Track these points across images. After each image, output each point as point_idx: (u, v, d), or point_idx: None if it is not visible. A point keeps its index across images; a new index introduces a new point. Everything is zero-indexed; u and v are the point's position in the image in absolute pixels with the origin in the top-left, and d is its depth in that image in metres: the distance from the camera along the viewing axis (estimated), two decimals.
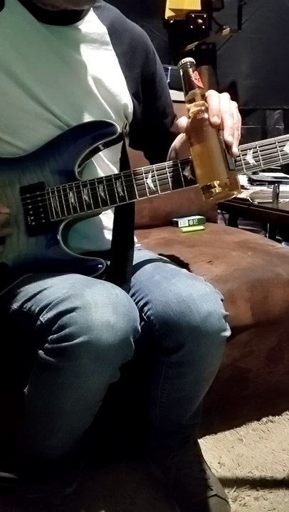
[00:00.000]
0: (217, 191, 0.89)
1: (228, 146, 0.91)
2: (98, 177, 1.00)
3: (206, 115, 0.92)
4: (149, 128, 1.20)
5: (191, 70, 0.94)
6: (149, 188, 0.99)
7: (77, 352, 0.85)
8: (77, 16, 1.05)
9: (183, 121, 0.95)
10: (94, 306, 0.86)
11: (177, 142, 1.12)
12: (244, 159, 0.98)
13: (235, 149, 0.92)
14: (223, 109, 0.92)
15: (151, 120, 1.20)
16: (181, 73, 0.95)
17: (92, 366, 0.87)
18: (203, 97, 0.94)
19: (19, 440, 1.06)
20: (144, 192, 0.99)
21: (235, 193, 0.92)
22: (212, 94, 0.94)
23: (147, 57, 1.15)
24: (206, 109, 0.92)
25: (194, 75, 0.94)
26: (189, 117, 0.94)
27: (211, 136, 0.91)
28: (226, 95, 0.96)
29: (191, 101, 0.94)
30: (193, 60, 0.95)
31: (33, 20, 1.01)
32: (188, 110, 0.94)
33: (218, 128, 0.91)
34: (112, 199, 0.99)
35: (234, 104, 0.96)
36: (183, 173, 0.99)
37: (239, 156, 0.97)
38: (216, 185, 0.89)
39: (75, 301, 0.86)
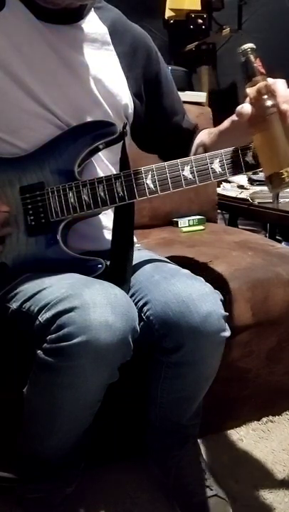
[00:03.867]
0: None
1: None
2: (98, 177, 1.00)
3: (269, 102, 0.89)
4: (160, 127, 1.20)
5: (252, 56, 0.92)
6: (148, 188, 0.99)
7: (75, 352, 0.85)
8: (78, 15, 1.04)
9: (247, 108, 0.91)
10: (92, 306, 0.86)
11: (205, 137, 1.11)
12: (244, 159, 0.98)
13: None
14: None
15: (161, 119, 1.19)
16: (243, 60, 0.92)
17: (91, 366, 0.87)
18: (266, 84, 0.91)
19: (19, 440, 1.06)
20: (143, 192, 0.99)
21: None
22: (278, 80, 0.92)
23: (149, 57, 1.15)
24: (272, 96, 0.90)
25: (257, 61, 0.92)
26: (253, 104, 0.91)
27: (278, 124, 0.89)
28: (284, 81, 0.93)
29: (254, 88, 0.91)
30: (254, 46, 0.92)
31: (34, 19, 1.01)
32: (251, 97, 0.91)
33: (286, 115, 0.90)
34: (112, 199, 0.99)
35: None
36: (182, 173, 0.99)
37: (239, 156, 0.97)
38: (286, 172, 0.88)
39: (74, 300, 0.86)
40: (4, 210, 0.99)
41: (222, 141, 1.05)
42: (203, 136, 1.16)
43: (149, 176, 0.99)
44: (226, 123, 1.05)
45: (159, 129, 1.20)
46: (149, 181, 0.99)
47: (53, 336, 0.87)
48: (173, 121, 1.21)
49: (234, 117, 0.95)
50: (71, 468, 1.08)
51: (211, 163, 0.98)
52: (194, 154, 1.14)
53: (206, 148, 1.10)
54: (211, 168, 0.99)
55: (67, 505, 1.07)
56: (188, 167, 0.98)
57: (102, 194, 0.99)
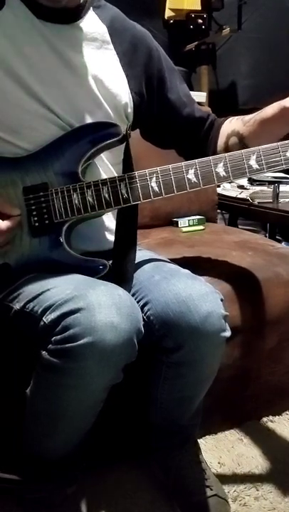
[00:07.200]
0: None
1: None
2: (102, 178, 1.00)
3: None
4: (173, 121, 1.20)
5: None
6: (153, 190, 0.99)
7: (81, 353, 0.85)
8: (77, 14, 1.04)
9: None
10: (97, 307, 0.86)
11: (239, 126, 1.09)
12: (247, 163, 0.99)
13: None
14: None
15: (171, 114, 1.19)
16: None
17: (97, 367, 0.87)
18: None
19: (20, 440, 1.06)
20: (148, 194, 0.99)
21: None
22: None
23: (150, 54, 1.14)
24: None
25: None
26: None
27: None
28: None
29: None
30: None
31: (33, 18, 1.01)
32: None
33: None
34: (116, 201, 1.00)
35: None
36: (187, 176, 0.99)
37: (243, 160, 0.97)
38: None
39: (79, 302, 0.86)
40: (17, 213, 0.99)
41: (266, 131, 1.04)
42: (236, 125, 1.14)
43: (154, 178, 0.99)
44: (271, 110, 1.03)
45: (172, 123, 1.20)
46: (153, 183, 0.99)
47: (58, 337, 0.87)
48: (184, 113, 1.20)
49: (287, 103, 0.93)
50: (72, 468, 1.08)
51: (215, 166, 0.99)
52: (226, 144, 1.14)
53: (242, 138, 1.08)
54: (215, 171, 0.99)
55: (67, 505, 1.07)
56: (193, 170, 0.99)
57: (106, 196, 0.99)
